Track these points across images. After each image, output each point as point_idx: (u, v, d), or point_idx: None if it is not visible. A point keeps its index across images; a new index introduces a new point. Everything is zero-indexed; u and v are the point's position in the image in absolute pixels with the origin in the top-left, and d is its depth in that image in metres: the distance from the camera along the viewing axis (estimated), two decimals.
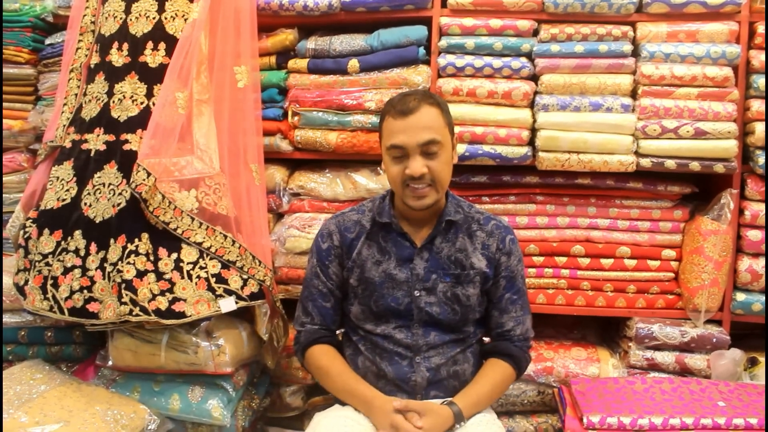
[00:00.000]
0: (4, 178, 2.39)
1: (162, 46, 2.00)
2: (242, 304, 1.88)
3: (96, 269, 1.85)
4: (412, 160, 1.50)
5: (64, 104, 2.12)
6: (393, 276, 1.61)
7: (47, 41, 2.43)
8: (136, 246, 1.84)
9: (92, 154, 1.96)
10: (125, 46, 2.00)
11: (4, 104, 2.39)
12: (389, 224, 1.63)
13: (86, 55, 2.13)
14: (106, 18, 2.06)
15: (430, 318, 1.60)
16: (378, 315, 1.63)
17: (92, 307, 1.84)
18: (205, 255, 1.87)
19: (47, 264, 1.91)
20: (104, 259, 1.85)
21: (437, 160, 1.51)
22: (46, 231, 1.94)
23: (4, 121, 2.37)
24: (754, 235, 2.10)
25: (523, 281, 1.69)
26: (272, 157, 2.34)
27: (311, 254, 1.73)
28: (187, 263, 1.85)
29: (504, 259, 1.64)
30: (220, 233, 1.90)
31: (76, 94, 2.11)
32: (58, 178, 2.00)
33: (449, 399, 1.56)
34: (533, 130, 2.16)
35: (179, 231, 1.85)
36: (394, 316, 1.62)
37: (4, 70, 2.38)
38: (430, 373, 1.59)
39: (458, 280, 1.61)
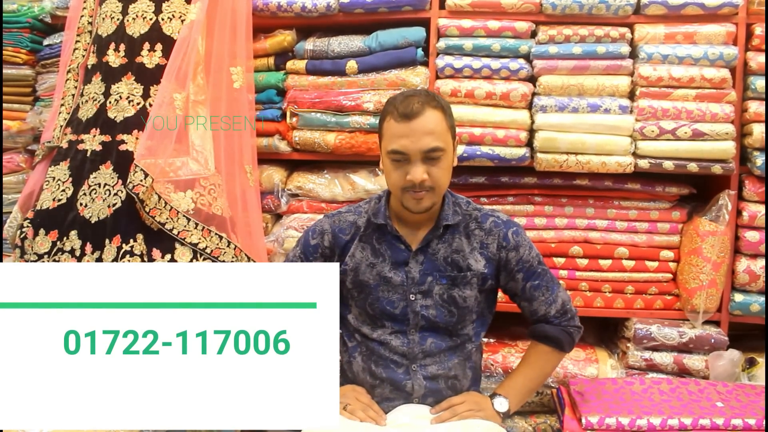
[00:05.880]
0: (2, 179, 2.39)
1: (159, 47, 2.00)
2: None
3: None
4: (413, 166, 1.46)
5: (62, 105, 2.12)
6: (388, 279, 1.58)
7: (45, 42, 2.43)
8: (131, 246, 1.84)
9: (88, 154, 1.96)
10: (122, 46, 2.00)
11: (3, 105, 2.39)
12: (384, 226, 1.60)
13: (83, 56, 2.13)
14: (103, 19, 2.06)
15: (427, 322, 1.58)
16: (374, 318, 1.60)
17: None
18: (199, 256, 1.87)
19: None
20: (99, 260, 1.85)
21: (438, 166, 1.48)
22: (42, 231, 1.94)
23: (3, 121, 2.37)
24: (752, 236, 2.10)
25: (541, 263, 1.64)
26: (271, 158, 2.34)
27: (297, 244, 1.69)
28: None
29: (512, 255, 1.59)
30: (216, 234, 1.90)
31: (74, 95, 2.11)
32: (54, 178, 1.99)
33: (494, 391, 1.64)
34: (531, 132, 2.16)
35: (175, 232, 1.85)
36: (390, 320, 1.59)
37: (3, 70, 2.38)
38: (427, 382, 1.57)
39: (454, 282, 1.57)
